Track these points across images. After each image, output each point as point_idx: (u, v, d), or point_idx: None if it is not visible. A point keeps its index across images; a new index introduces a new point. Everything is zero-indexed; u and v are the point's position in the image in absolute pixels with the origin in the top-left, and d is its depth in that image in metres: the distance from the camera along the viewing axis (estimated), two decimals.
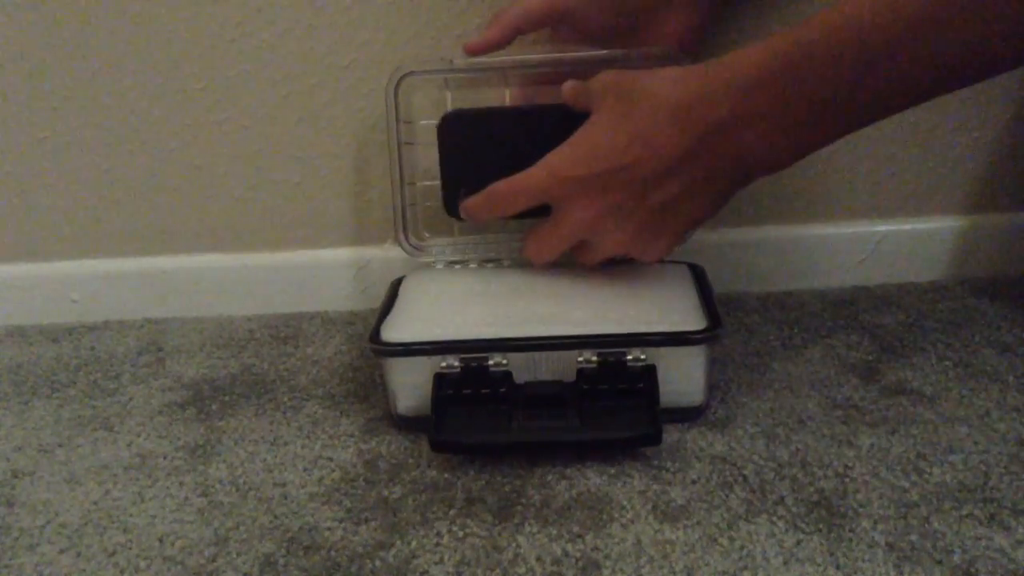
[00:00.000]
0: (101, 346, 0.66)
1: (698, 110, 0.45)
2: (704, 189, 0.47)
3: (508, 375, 0.48)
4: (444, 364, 0.48)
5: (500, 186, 0.51)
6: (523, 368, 0.49)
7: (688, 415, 0.50)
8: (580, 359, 0.48)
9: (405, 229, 0.58)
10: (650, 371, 0.48)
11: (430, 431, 0.47)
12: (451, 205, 0.55)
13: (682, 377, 0.49)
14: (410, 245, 0.58)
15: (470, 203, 0.53)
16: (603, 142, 0.47)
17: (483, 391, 0.48)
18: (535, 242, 0.52)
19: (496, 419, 0.48)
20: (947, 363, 0.56)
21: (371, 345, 0.49)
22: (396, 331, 0.49)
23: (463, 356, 0.48)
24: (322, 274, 0.69)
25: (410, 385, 0.49)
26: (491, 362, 0.48)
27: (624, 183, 0.47)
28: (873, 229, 0.68)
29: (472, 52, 0.55)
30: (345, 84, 0.63)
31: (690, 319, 0.49)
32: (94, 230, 0.68)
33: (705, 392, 0.50)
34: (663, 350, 0.48)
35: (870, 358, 0.57)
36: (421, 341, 0.48)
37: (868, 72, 0.41)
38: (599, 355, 0.48)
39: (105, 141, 0.65)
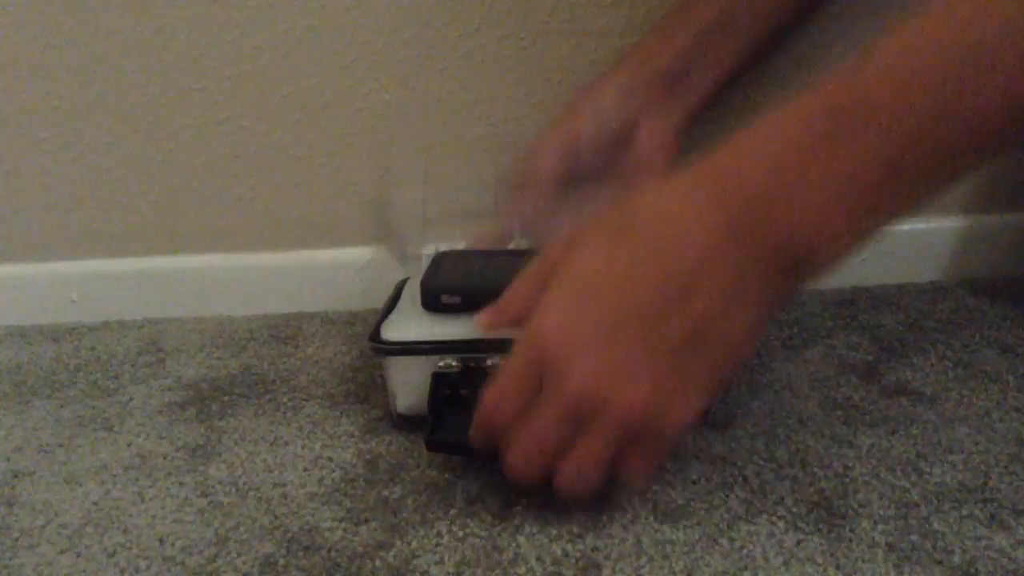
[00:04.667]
0: (101, 346, 0.66)
1: (719, 192, 0.35)
2: (739, 302, 0.35)
3: None
4: (442, 363, 0.48)
5: (489, 393, 0.40)
6: None
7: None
8: None
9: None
10: None
11: (426, 431, 0.47)
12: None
13: None
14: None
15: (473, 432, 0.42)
16: (590, 273, 0.37)
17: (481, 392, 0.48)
18: (523, 438, 0.39)
19: None
20: (947, 363, 0.56)
21: (371, 343, 0.49)
22: (396, 330, 0.49)
23: (462, 356, 0.48)
24: (322, 274, 0.69)
25: (409, 384, 0.49)
26: (489, 363, 0.47)
27: (632, 313, 0.36)
28: None
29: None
30: (345, 84, 0.63)
31: None
32: (94, 230, 0.68)
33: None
34: None
35: (870, 358, 0.57)
36: (420, 340, 0.48)
37: (950, 108, 0.31)
38: None
39: (105, 141, 0.65)
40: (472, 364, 0.48)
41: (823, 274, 0.35)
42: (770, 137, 0.34)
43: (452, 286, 0.48)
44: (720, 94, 0.56)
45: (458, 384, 0.48)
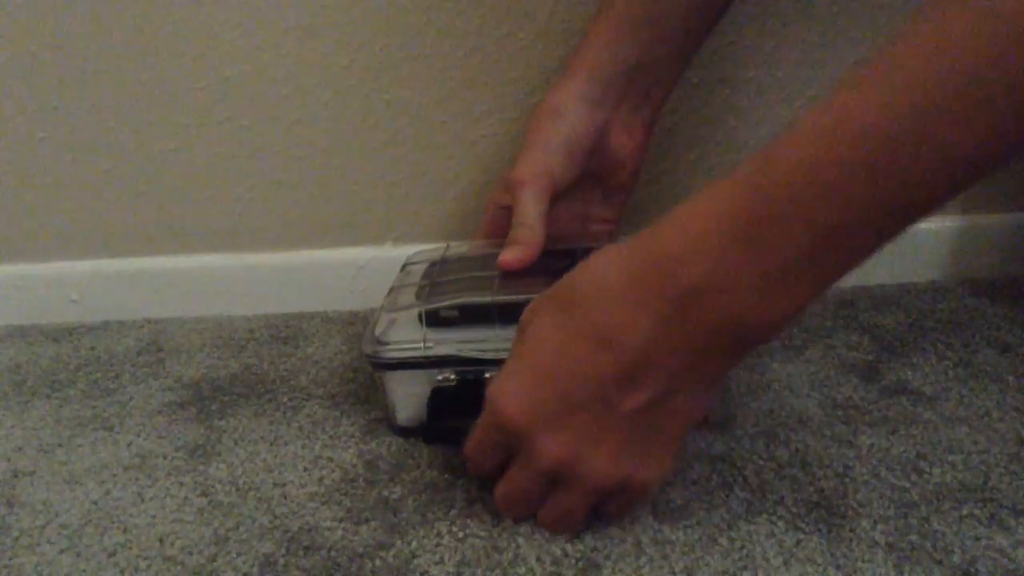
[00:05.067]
0: (101, 346, 0.66)
1: (656, 283, 0.36)
2: (688, 376, 0.37)
3: None
4: (441, 378, 0.48)
5: (467, 448, 0.43)
6: None
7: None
8: None
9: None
10: None
11: (425, 428, 0.47)
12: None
13: None
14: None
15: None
16: (545, 356, 0.38)
17: (479, 403, 0.48)
18: (505, 491, 0.42)
19: None
20: (947, 363, 0.56)
21: (369, 359, 0.49)
22: (395, 345, 0.49)
23: (459, 369, 0.48)
24: (322, 274, 0.69)
25: (409, 396, 0.49)
26: (488, 375, 0.47)
27: (586, 398, 0.38)
28: None
29: (512, 268, 0.48)
30: (345, 84, 0.63)
31: None
32: (94, 230, 0.68)
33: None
34: None
35: (870, 358, 0.57)
36: (419, 357, 0.48)
37: (880, 182, 0.31)
38: None
39: (105, 141, 0.65)
40: (470, 377, 0.47)
41: (769, 341, 0.36)
42: (697, 232, 0.35)
43: (451, 303, 0.48)
44: (681, 76, 0.56)
45: (456, 396, 0.48)
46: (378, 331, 0.49)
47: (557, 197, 0.53)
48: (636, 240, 0.37)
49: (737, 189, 0.34)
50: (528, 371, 0.39)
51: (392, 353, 0.48)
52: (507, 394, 0.39)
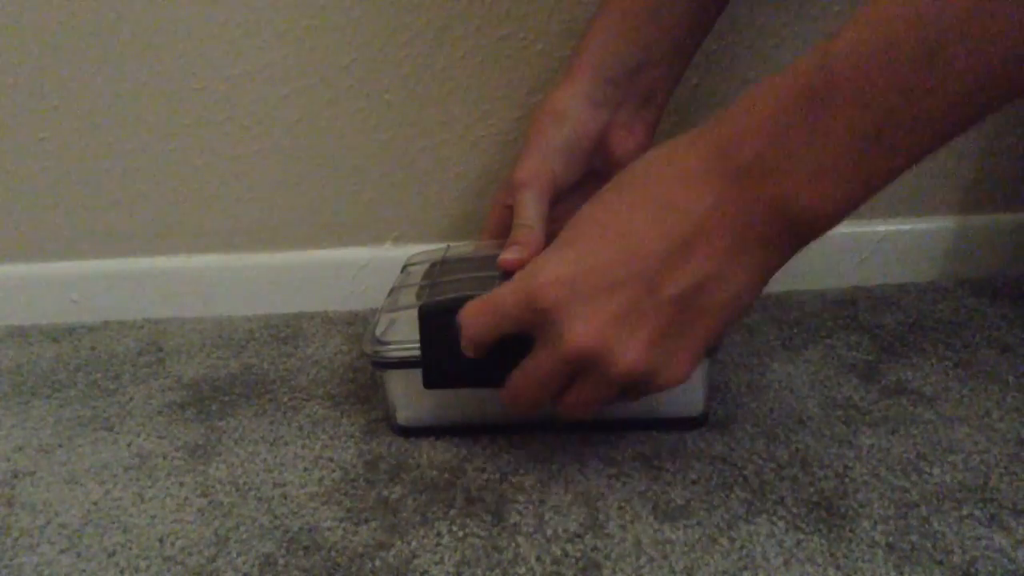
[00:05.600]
0: (101, 346, 0.66)
1: (718, 158, 0.36)
2: (737, 262, 0.36)
3: None
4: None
5: (466, 312, 0.42)
6: None
7: (688, 425, 0.50)
8: None
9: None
10: None
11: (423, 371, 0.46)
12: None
13: (681, 387, 0.49)
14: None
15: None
16: (592, 233, 0.38)
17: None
18: (521, 380, 0.41)
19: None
20: (947, 363, 0.56)
21: (370, 358, 0.49)
22: (396, 344, 0.49)
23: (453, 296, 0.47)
24: (322, 274, 0.69)
25: (410, 396, 0.49)
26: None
27: (630, 274, 0.37)
28: (873, 229, 0.68)
29: (512, 268, 0.47)
30: (345, 84, 0.63)
31: None
32: (94, 230, 0.68)
33: (704, 402, 0.50)
34: None
35: (870, 358, 0.57)
36: (418, 356, 0.48)
37: (929, 73, 0.31)
38: None
39: (105, 141, 0.65)
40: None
41: (817, 235, 0.36)
42: (757, 113, 0.35)
43: (451, 304, 0.47)
44: (683, 76, 0.56)
45: (450, 321, 0.46)
46: (378, 331, 0.49)
47: (558, 198, 0.53)
48: (699, 128, 0.37)
49: (799, 73, 0.34)
50: (569, 248, 0.38)
51: (393, 353, 0.48)
52: (543, 269, 0.38)
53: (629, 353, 0.38)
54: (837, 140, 0.33)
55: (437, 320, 0.46)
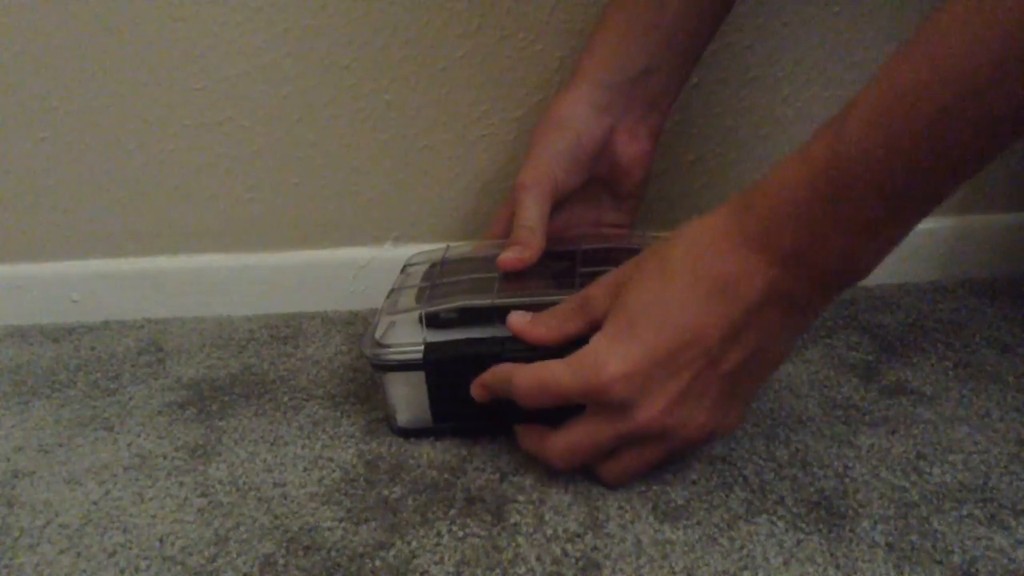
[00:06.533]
0: (101, 346, 0.66)
1: (757, 251, 0.38)
2: (782, 332, 0.40)
3: None
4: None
5: (520, 382, 0.42)
6: None
7: None
8: None
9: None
10: None
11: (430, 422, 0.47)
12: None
13: None
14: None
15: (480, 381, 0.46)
16: (649, 323, 0.40)
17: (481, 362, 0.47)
18: (569, 443, 0.43)
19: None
20: (947, 363, 0.56)
21: (370, 361, 0.49)
22: (396, 347, 0.49)
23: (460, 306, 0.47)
24: (322, 274, 0.69)
25: (410, 398, 0.49)
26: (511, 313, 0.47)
27: (694, 359, 0.39)
28: None
29: (511, 268, 0.49)
30: (345, 84, 0.63)
31: None
32: (94, 230, 0.68)
33: None
34: None
35: (870, 358, 0.57)
36: (419, 359, 0.48)
37: (932, 153, 0.34)
38: None
39: (105, 141, 0.65)
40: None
41: (852, 286, 0.39)
42: (787, 203, 0.37)
43: (451, 305, 0.47)
44: (686, 81, 0.56)
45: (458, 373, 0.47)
46: (378, 333, 0.49)
47: (561, 202, 0.53)
48: (731, 209, 0.39)
49: (816, 160, 0.36)
50: (632, 341, 0.40)
51: (392, 356, 0.48)
52: (607, 364, 0.40)
53: (697, 421, 0.41)
54: (859, 223, 0.36)
55: (444, 368, 0.47)
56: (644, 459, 0.43)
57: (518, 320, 0.45)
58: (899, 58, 0.34)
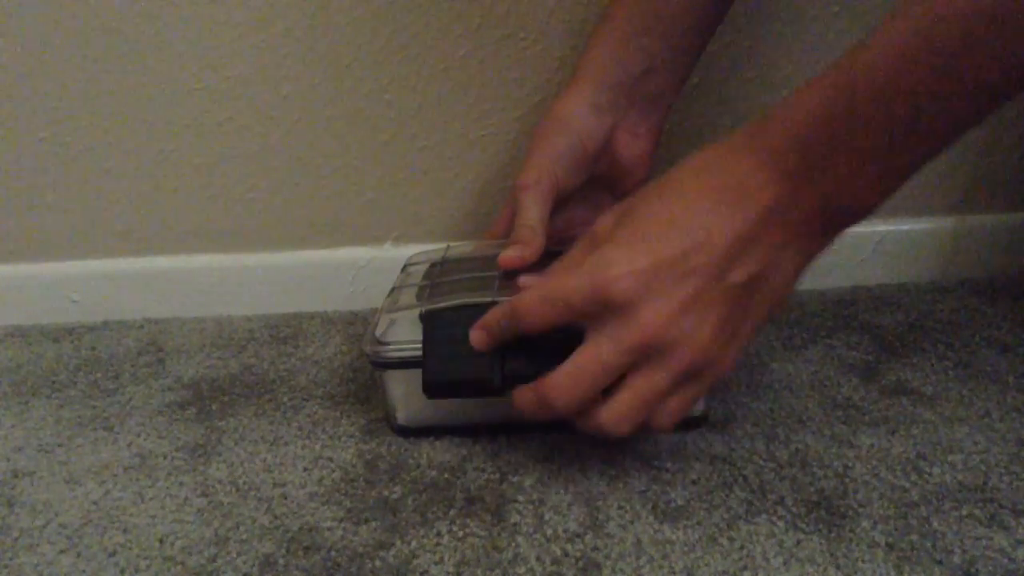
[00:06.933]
0: (101, 346, 0.66)
1: (766, 165, 0.38)
2: (786, 254, 0.39)
3: None
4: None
5: (523, 301, 0.41)
6: None
7: (688, 424, 0.50)
8: None
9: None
10: None
11: (423, 373, 0.46)
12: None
13: None
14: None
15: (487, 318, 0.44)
16: (659, 226, 0.39)
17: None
18: (569, 373, 0.40)
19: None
20: (947, 363, 0.56)
21: (369, 358, 0.49)
22: (396, 344, 0.49)
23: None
24: (322, 274, 0.69)
25: (410, 396, 0.49)
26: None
27: (701, 265, 0.38)
28: (873, 229, 0.68)
29: (512, 266, 0.48)
30: (344, 84, 0.63)
31: None
32: (94, 230, 0.68)
33: (704, 402, 0.50)
34: None
35: (870, 358, 0.57)
36: (418, 357, 0.48)
37: (946, 82, 0.34)
38: None
39: (105, 141, 0.65)
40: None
41: (853, 224, 0.39)
42: (796, 125, 0.38)
43: (451, 303, 0.47)
44: (686, 81, 0.56)
45: (452, 323, 0.46)
46: (378, 331, 0.49)
47: (561, 202, 0.53)
48: (743, 131, 0.40)
49: (826, 87, 0.37)
50: (640, 241, 0.39)
51: (392, 353, 0.48)
52: (614, 262, 0.39)
53: (701, 335, 0.39)
54: (864, 148, 0.36)
55: (441, 323, 0.46)
56: (648, 386, 0.39)
57: (514, 262, 0.47)
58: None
